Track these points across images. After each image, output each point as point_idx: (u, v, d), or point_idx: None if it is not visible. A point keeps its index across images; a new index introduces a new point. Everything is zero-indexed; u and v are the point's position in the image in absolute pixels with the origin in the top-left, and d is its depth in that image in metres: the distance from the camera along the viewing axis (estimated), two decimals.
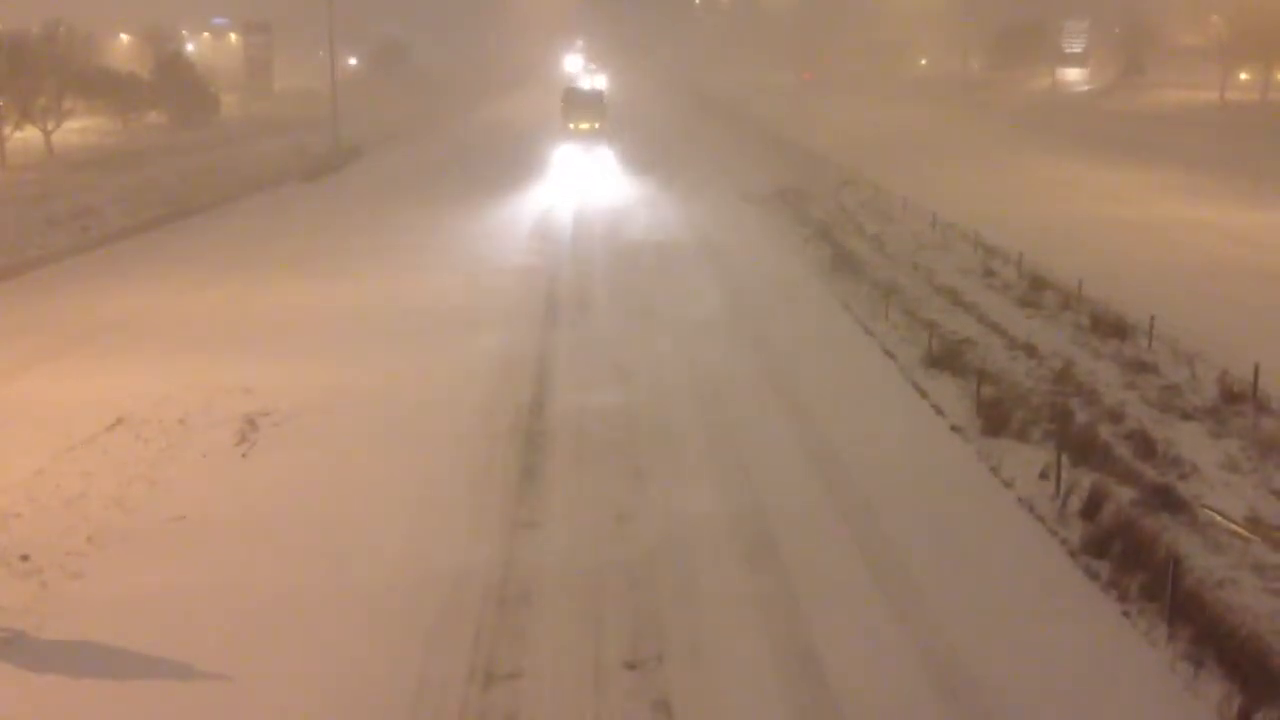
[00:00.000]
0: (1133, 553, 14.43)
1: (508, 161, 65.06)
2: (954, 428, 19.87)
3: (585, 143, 73.37)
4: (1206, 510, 16.03)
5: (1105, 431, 19.16)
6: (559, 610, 13.60)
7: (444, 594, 13.92)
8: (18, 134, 64.66)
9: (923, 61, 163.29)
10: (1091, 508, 15.90)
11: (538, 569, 14.65)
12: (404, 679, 12.10)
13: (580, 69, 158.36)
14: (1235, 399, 20.78)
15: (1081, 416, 19.92)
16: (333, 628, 13.19)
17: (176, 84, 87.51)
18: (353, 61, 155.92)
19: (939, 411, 20.74)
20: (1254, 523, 15.69)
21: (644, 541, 15.43)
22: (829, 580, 14.32)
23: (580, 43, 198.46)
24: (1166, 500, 16.32)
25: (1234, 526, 15.47)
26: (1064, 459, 17.13)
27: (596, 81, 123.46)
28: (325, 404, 21.43)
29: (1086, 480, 16.79)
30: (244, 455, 18.90)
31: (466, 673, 12.25)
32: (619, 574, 14.52)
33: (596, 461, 18.48)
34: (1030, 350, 24.37)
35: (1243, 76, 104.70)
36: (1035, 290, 29.62)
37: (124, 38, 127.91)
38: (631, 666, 12.39)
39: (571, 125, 74.68)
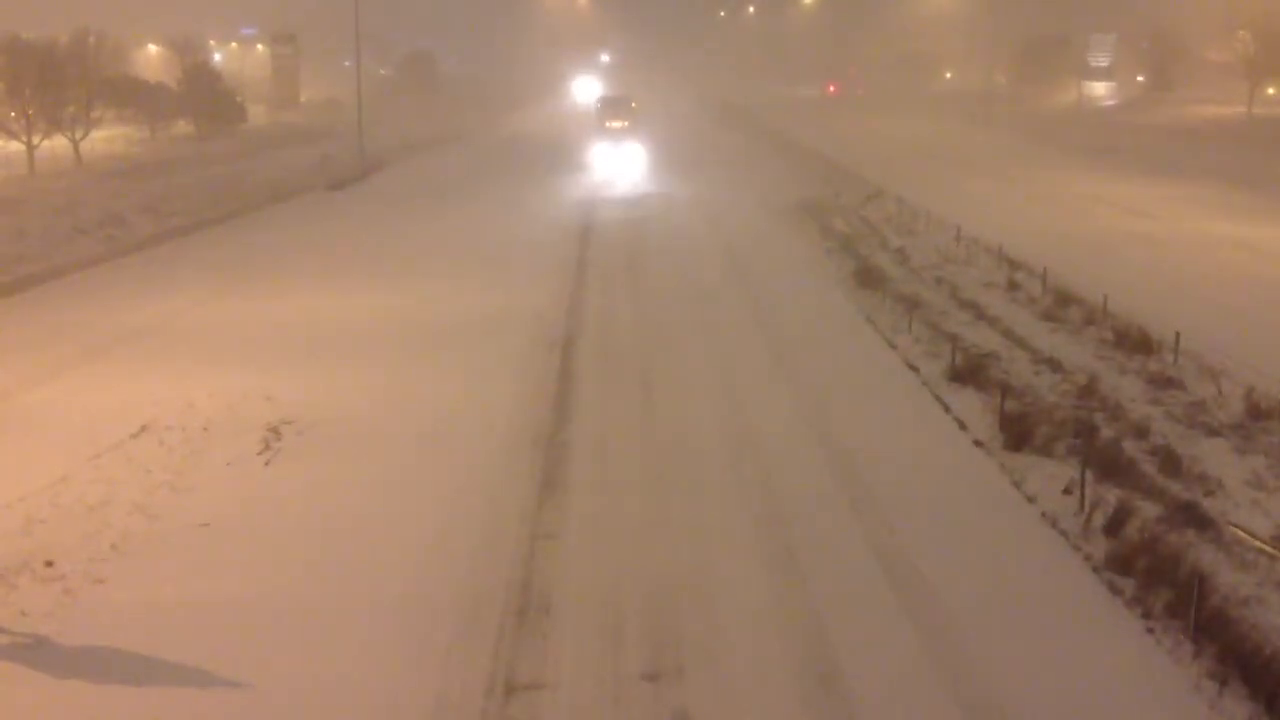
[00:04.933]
0: (1157, 569, 14.31)
1: (529, 173, 65.28)
2: (977, 442, 19.76)
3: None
4: (1233, 527, 15.89)
5: (1130, 447, 19.02)
6: None
7: (465, 605, 13.93)
8: (46, 143, 65.17)
9: (948, 75, 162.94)
10: (1116, 524, 15.78)
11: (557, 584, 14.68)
12: (425, 691, 12.09)
13: (596, 105, 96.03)
14: (1262, 415, 20.60)
15: (1106, 432, 19.79)
16: (355, 636, 13.20)
17: (204, 93, 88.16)
18: (383, 72, 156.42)
19: (962, 425, 20.65)
20: None
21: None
22: (849, 592, 14.27)
23: (605, 57, 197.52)
24: (1192, 517, 16.18)
25: (1260, 544, 15.32)
26: (1088, 474, 17.00)
27: (628, 152, 75.92)
28: (348, 412, 21.51)
29: (1111, 496, 16.67)
30: (267, 463, 18.97)
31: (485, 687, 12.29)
32: None
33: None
34: (1054, 365, 24.24)
35: (1270, 91, 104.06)
36: (1060, 305, 29.44)
37: (152, 47, 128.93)
38: None
39: None
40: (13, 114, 64.97)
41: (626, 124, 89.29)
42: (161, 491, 17.60)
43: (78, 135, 68.01)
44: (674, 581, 14.58)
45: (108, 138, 77.92)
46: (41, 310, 30.81)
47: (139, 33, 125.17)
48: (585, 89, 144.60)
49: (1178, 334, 24.48)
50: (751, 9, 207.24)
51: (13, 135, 64.55)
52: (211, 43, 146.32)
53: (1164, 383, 22.87)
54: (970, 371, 23.35)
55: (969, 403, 21.72)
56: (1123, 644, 13.07)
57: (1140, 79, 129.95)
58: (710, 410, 21.71)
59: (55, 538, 15.82)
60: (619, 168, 55.72)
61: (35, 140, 64.13)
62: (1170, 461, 18.43)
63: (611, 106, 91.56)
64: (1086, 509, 16.41)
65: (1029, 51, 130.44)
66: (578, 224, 46.14)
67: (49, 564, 14.99)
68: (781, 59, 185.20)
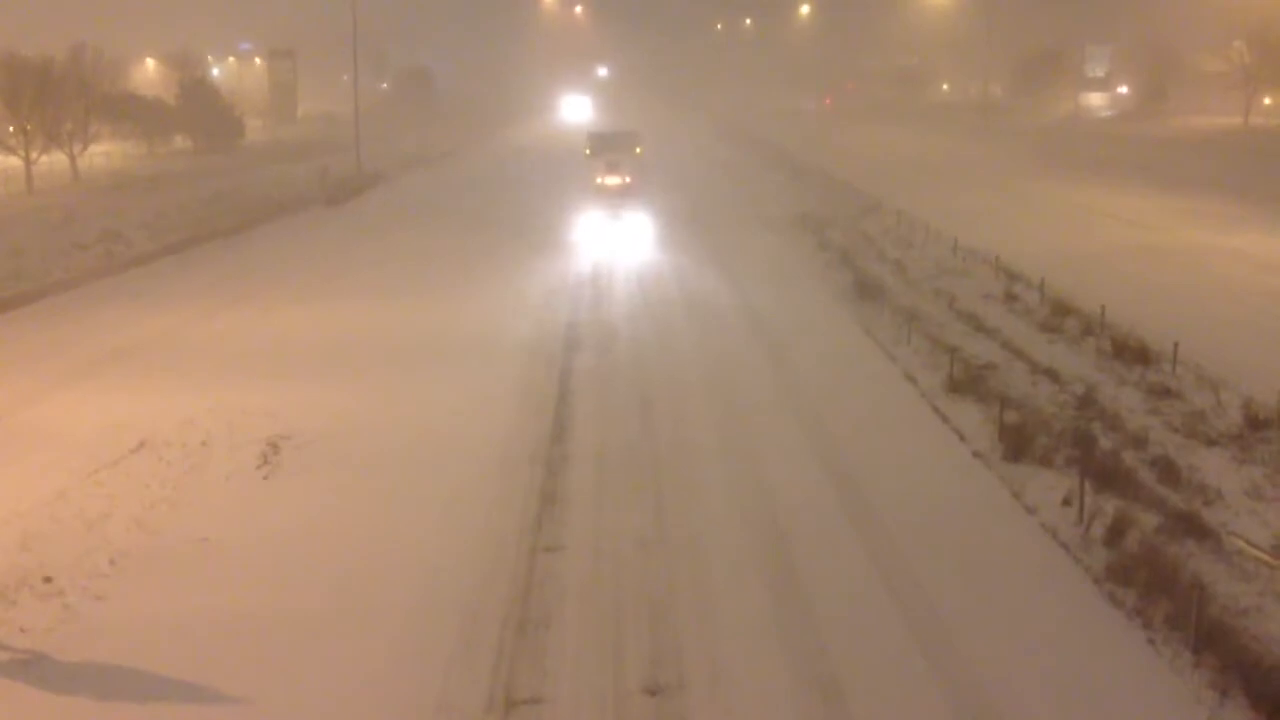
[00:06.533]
0: (1157, 580, 14.29)
1: (525, 189, 65.35)
2: (976, 453, 19.76)
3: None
4: (1232, 537, 15.88)
5: (1129, 458, 19.02)
6: None
7: (461, 622, 13.92)
8: (44, 158, 65.23)
9: (945, 87, 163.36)
10: (1115, 535, 15.78)
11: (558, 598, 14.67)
12: (425, 705, 12.07)
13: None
14: (1260, 425, 20.59)
15: (1105, 442, 19.78)
16: (354, 651, 13.18)
17: (201, 109, 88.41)
18: (384, 86, 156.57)
19: (961, 437, 20.64)
20: None
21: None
22: (848, 603, 14.26)
23: (602, 71, 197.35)
24: (1191, 527, 16.18)
25: (1260, 554, 15.31)
26: (1087, 485, 16.99)
27: (630, 221, 49.38)
28: (346, 427, 21.50)
29: (1110, 507, 16.66)
30: (266, 478, 18.95)
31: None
32: None
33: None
34: (1053, 375, 24.25)
35: (1266, 101, 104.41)
36: (1057, 316, 29.46)
37: (150, 63, 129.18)
38: None
39: None
40: (11, 129, 65.09)
41: (628, 180, 56.57)
42: (160, 507, 17.59)
43: (75, 151, 68.10)
44: (673, 593, 14.62)
45: (105, 153, 78.04)
46: (39, 326, 30.80)
47: (136, 48, 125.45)
48: (576, 108, 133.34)
49: (1176, 344, 24.50)
50: (748, 20, 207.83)
51: (11, 151, 64.66)
52: (209, 58, 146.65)
53: (1162, 393, 22.87)
54: (969, 383, 23.36)
55: (968, 414, 21.72)
56: (1123, 655, 13.05)
57: (1123, 90, 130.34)
58: (708, 421, 21.73)
59: (54, 554, 15.80)
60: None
61: (33, 156, 64.22)
62: (1169, 472, 18.44)
63: (606, 154, 58.54)
64: (1086, 520, 16.40)
65: (1025, 63, 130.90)
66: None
67: (48, 580, 14.96)
68: (778, 71, 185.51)
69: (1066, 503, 17.08)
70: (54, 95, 65.90)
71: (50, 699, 12.26)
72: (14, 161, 64.07)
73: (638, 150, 60.21)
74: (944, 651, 13.13)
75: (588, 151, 60.77)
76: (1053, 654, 13.07)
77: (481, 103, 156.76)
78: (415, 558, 15.74)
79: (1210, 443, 20.07)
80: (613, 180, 56.37)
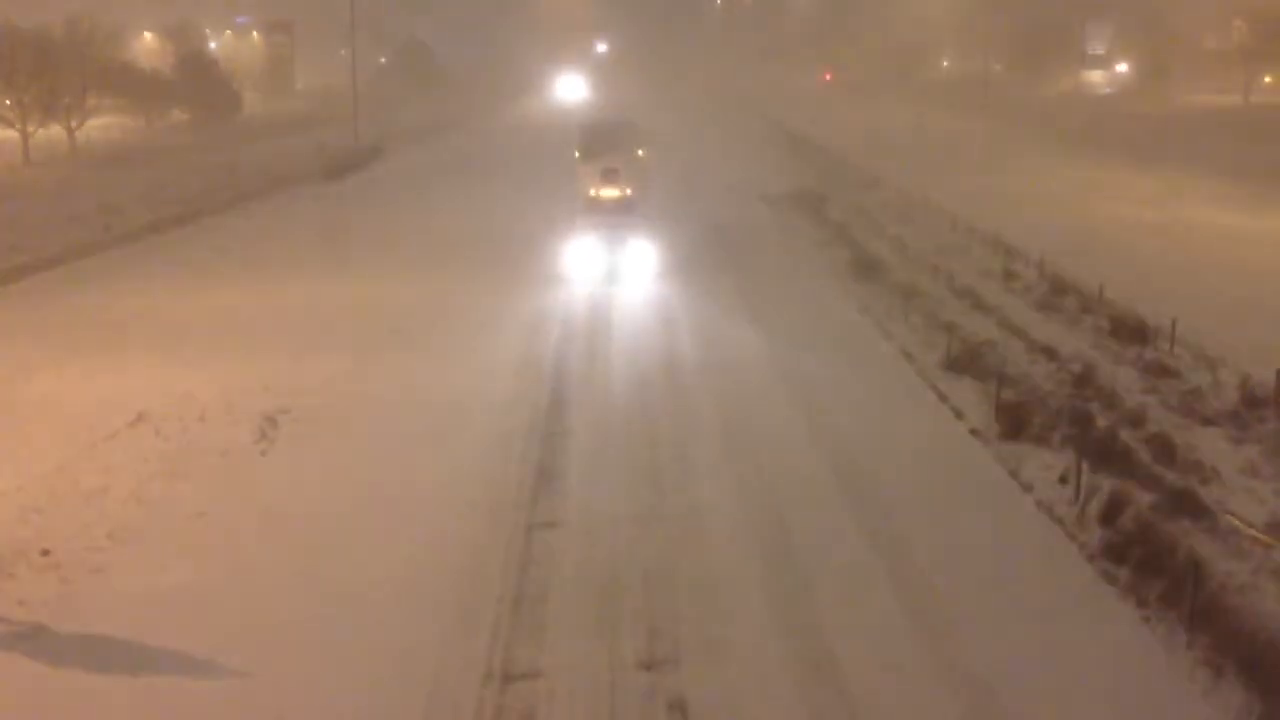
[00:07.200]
0: (1152, 558, 14.31)
1: (523, 163, 65.14)
2: (973, 431, 19.78)
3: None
4: (1228, 516, 15.90)
5: (1125, 436, 19.01)
6: None
7: (463, 586, 13.96)
8: (41, 131, 64.97)
9: (944, 64, 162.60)
10: (1111, 513, 15.77)
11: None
12: (420, 680, 12.10)
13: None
14: (1257, 404, 20.59)
15: (1101, 420, 19.78)
16: (351, 626, 13.20)
17: (199, 82, 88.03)
18: (382, 61, 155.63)
19: (958, 415, 20.66)
20: (1276, 529, 15.56)
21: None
22: (843, 579, 14.30)
23: (601, 47, 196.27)
24: (1187, 505, 16.19)
25: (1255, 533, 15.34)
26: (1083, 463, 16.99)
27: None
28: (343, 402, 21.52)
29: (1106, 485, 16.65)
30: (263, 452, 18.97)
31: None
32: None
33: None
34: (1050, 353, 24.24)
35: (1266, 80, 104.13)
36: (1056, 294, 29.45)
37: (147, 36, 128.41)
38: None
39: None
40: (8, 102, 64.81)
41: (628, 192, 45.49)
42: (158, 480, 17.60)
43: (73, 123, 67.81)
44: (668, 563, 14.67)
45: (103, 126, 77.69)
46: (36, 299, 30.76)
47: (133, 21, 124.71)
48: (570, 87, 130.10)
49: (1174, 321, 24.50)
50: None
51: (8, 123, 64.41)
52: (207, 31, 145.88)
53: (1160, 371, 22.87)
54: (966, 360, 23.34)
55: (965, 391, 21.72)
56: (1118, 632, 13.09)
57: (1122, 68, 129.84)
58: (704, 401, 21.76)
59: (52, 527, 15.81)
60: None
61: (30, 128, 63.96)
62: (1165, 450, 18.43)
63: (602, 158, 46.03)
64: (1081, 498, 16.42)
65: (1025, 40, 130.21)
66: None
67: (46, 553, 14.97)
68: (778, 45, 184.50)
69: (1063, 480, 17.10)
70: (51, 67, 65.53)
71: (48, 671, 12.28)
72: (11, 134, 63.83)
73: (639, 153, 48.41)
74: (938, 628, 13.16)
75: (578, 154, 47.85)
76: (1046, 631, 13.09)
77: (479, 77, 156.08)
78: (414, 531, 15.75)
79: (1207, 421, 20.08)
80: (609, 192, 46.27)
